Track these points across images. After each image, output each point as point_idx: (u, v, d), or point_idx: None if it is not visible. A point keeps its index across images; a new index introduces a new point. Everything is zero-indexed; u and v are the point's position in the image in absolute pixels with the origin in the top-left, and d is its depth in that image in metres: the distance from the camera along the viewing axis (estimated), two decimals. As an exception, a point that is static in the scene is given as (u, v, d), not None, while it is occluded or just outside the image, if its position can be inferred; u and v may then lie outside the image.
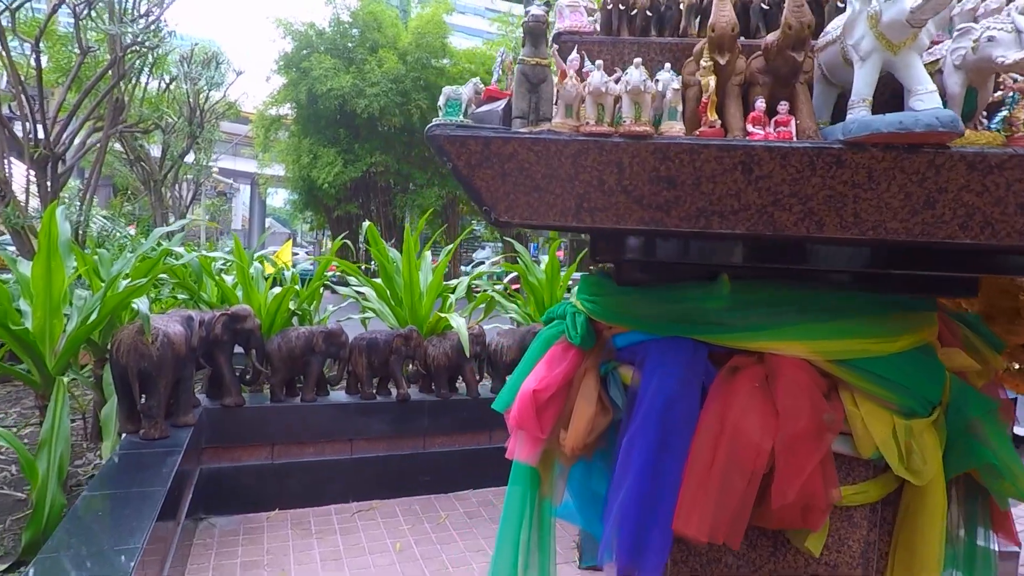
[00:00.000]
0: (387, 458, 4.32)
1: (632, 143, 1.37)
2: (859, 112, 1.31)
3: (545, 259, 5.72)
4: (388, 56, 18.00)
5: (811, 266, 1.68)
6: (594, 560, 2.32)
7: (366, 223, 5.24)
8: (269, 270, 5.19)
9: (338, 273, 5.58)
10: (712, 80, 1.37)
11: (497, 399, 2.08)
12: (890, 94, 1.42)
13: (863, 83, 1.30)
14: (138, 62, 10.45)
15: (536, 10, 1.39)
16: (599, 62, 1.37)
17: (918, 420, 1.64)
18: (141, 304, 3.32)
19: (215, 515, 3.89)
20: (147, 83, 13.94)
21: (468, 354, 4.37)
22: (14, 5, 7.38)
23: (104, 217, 10.70)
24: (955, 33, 1.37)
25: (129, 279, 3.72)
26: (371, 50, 18.58)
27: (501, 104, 1.53)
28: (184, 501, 3.32)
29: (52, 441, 3.07)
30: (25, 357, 3.47)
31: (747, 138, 1.37)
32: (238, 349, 4.09)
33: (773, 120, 1.39)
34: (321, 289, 4.95)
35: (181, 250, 4.89)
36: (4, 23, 7.42)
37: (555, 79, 1.46)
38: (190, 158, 16.26)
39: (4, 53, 7.39)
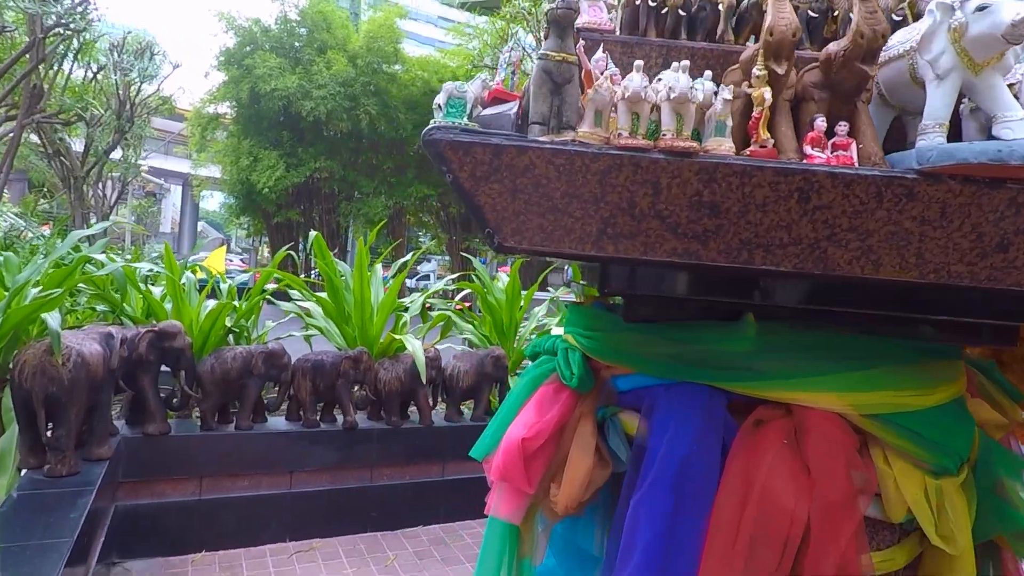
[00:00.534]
0: (330, 492, 3.97)
1: (674, 161, 1.14)
2: (934, 138, 1.13)
3: (503, 276, 5.47)
4: (337, 58, 17.44)
5: (843, 308, 1.50)
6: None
7: (312, 233, 4.86)
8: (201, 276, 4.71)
9: (278, 286, 5.14)
10: (767, 92, 1.16)
11: (476, 446, 1.85)
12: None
13: (940, 105, 1.13)
14: (61, 46, 9.64)
15: None
16: (639, 62, 1.14)
17: (947, 480, 1.49)
18: (51, 319, 2.88)
19: (131, 559, 3.47)
20: (71, 70, 12.99)
21: (424, 379, 4.06)
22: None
23: (15, 215, 9.76)
24: None
25: (40, 288, 3.24)
26: (319, 51, 17.97)
27: (513, 107, 1.28)
28: (96, 544, 2.90)
29: (-69, 481, 2.60)
30: (-98, 378, 2.96)
31: (805, 161, 1.17)
32: (165, 369, 3.63)
33: (831, 142, 1.20)
34: (261, 302, 4.53)
35: (102, 257, 4.35)
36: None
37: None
38: (117, 154, 15.35)
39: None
